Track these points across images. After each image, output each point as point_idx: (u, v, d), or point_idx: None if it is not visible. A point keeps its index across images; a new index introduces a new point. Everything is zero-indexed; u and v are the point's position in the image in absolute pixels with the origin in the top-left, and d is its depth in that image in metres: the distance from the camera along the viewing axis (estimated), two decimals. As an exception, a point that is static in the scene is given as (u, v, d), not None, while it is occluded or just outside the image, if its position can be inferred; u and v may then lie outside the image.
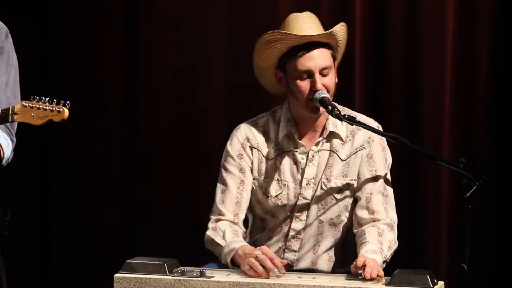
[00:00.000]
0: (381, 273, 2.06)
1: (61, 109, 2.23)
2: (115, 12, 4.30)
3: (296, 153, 2.28)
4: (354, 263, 2.08)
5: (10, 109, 2.13)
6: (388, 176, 2.35)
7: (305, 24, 2.27)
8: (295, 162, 2.28)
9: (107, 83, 3.98)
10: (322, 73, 2.25)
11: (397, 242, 2.30)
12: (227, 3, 4.34)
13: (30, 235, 3.73)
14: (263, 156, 2.30)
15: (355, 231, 2.30)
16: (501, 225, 3.54)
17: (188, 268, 2.06)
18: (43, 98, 2.25)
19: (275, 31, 2.29)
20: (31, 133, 3.84)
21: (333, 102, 2.24)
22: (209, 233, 2.28)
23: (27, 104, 2.21)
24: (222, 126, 5.01)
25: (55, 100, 2.23)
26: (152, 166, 4.17)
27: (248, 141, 2.32)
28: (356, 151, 2.29)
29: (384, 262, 2.22)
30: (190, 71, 4.86)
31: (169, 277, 2.00)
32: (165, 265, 2.03)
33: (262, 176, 2.31)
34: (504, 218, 3.53)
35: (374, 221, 2.28)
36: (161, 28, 4.41)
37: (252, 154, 2.32)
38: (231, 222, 2.29)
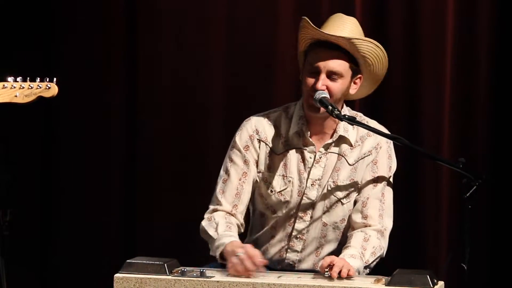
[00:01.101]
0: (352, 272, 2.04)
1: (50, 85, 2.21)
2: (115, 12, 4.30)
3: (305, 151, 2.27)
4: (321, 262, 2.08)
5: None
6: (390, 184, 2.34)
7: (338, 24, 2.27)
8: (303, 160, 2.27)
9: (107, 83, 3.98)
10: (331, 77, 2.23)
11: (383, 249, 2.28)
12: (227, 3, 4.34)
13: (30, 235, 3.73)
14: (271, 150, 2.29)
15: (348, 234, 2.29)
16: (501, 225, 3.54)
17: (188, 268, 2.06)
18: (21, 77, 2.23)
19: (305, 17, 2.30)
20: (31, 132, 3.85)
21: (334, 105, 2.23)
22: (203, 223, 2.28)
23: (7, 85, 2.19)
24: (222, 126, 5.01)
25: (38, 78, 2.22)
26: (152, 166, 4.17)
27: (257, 133, 2.30)
28: (364, 157, 2.28)
29: (366, 267, 2.21)
30: (190, 71, 4.86)
31: (169, 277, 2.00)
32: (165, 265, 2.02)
33: (268, 171, 2.30)
34: (504, 218, 3.53)
35: (366, 226, 2.27)
36: (161, 28, 4.41)
37: (259, 147, 2.31)
38: (228, 213, 2.27)
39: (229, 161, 2.32)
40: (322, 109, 2.24)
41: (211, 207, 2.31)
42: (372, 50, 2.25)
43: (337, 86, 2.25)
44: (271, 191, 2.29)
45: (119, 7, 4.29)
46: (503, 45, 4.08)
